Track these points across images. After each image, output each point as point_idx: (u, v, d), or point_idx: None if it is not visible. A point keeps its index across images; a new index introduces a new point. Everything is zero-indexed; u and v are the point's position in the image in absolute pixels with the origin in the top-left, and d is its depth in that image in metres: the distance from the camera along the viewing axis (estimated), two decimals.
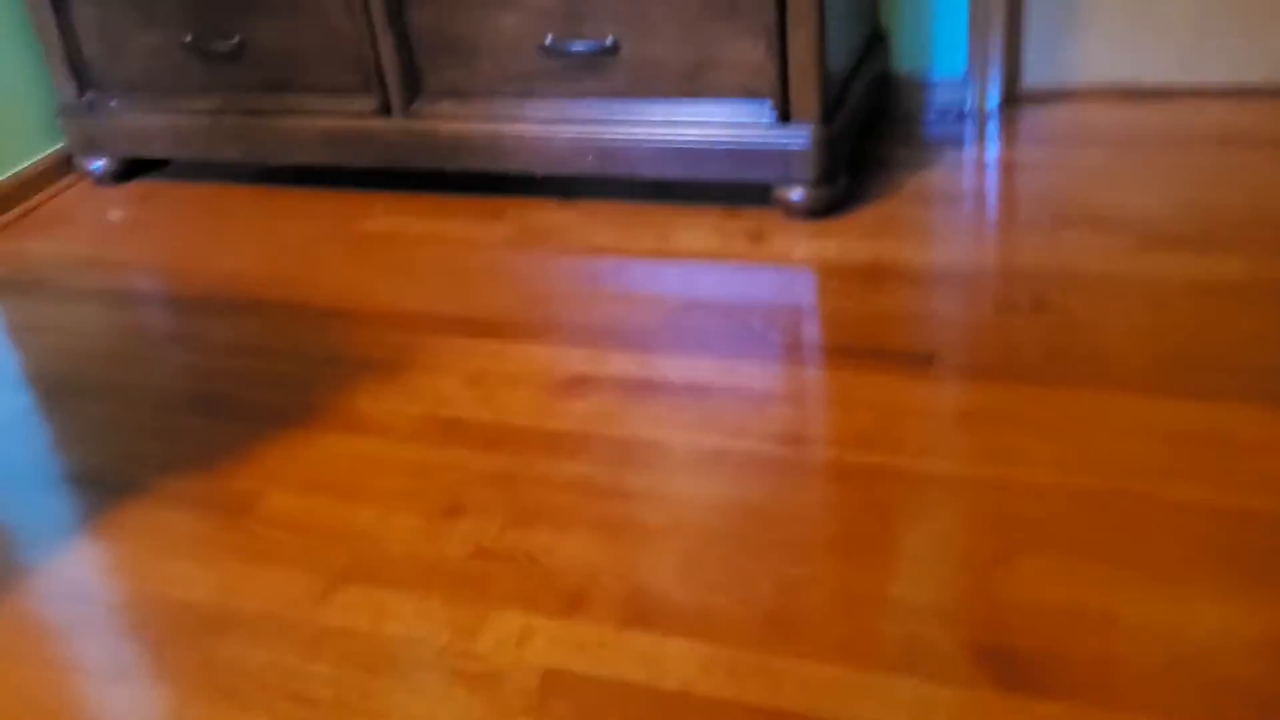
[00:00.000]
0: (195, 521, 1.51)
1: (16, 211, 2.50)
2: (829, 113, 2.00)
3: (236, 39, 2.28)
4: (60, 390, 1.85)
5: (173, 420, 1.74)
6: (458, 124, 2.19)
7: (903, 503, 1.40)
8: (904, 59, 2.42)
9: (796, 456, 1.49)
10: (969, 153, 2.26)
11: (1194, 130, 2.22)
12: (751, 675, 1.19)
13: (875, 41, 2.35)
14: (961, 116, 2.40)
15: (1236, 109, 2.28)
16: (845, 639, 1.22)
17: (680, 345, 1.76)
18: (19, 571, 1.46)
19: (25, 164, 2.56)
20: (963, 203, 2.07)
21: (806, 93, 1.96)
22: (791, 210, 2.06)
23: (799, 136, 1.98)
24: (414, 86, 2.21)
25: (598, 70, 2.07)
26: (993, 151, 2.26)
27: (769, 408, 1.59)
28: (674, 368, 1.70)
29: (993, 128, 2.34)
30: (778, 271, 1.93)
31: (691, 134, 2.04)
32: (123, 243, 2.31)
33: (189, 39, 2.31)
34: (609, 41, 2.03)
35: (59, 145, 2.62)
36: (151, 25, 2.34)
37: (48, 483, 1.63)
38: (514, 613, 1.30)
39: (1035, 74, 2.43)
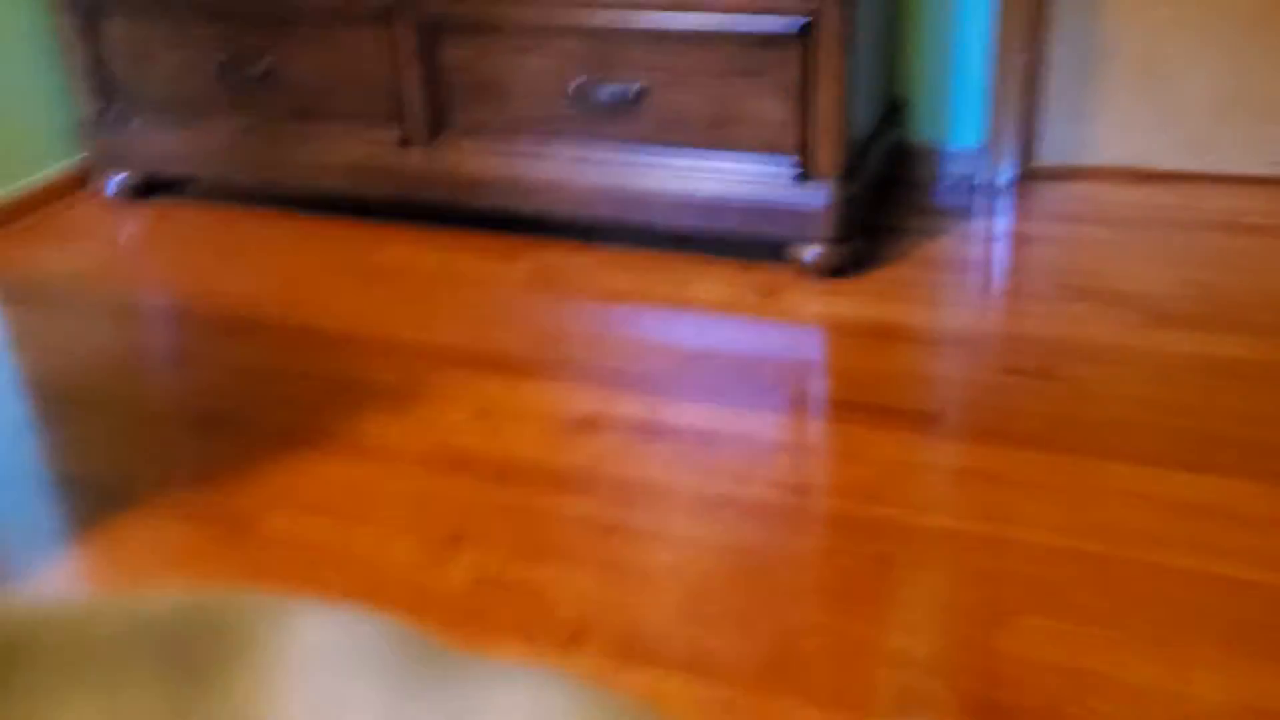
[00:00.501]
0: (193, 536, 1.51)
1: (31, 222, 2.52)
2: (847, 174, 2.03)
3: (266, 64, 2.32)
4: (63, 400, 1.85)
5: (176, 436, 1.74)
6: (480, 162, 2.22)
7: (904, 556, 1.40)
8: (922, 129, 2.46)
9: (801, 506, 1.50)
10: (981, 223, 2.29)
11: (1203, 214, 2.26)
12: (747, 716, 1.19)
13: (894, 109, 2.39)
14: (975, 188, 2.44)
15: (1245, 195, 2.32)
16: (842, 686, 1.22)
17: (690, 392, 1.77)
18: (11, 578, 1.46)
19: (43, 175, 2.58)
20: (973, 271, 2.10)
21: (827, 153, 1.99)
22: (805, 268, 2.08)
23: (817, 195, 2.01)
24: (439, 122, 2.24)
25: (622, 117, 2.10)
26: (1004, 223, 2.29)
27: (775, 457, 1.60)
28: (683, 413, 1.71)
29: (1005, 201, 2.38)
30: (789, 326, 1.94)
31: (711, 186, 2.07)
32: (136, 259, 2.33)
33: (218, 61, 2.35)
34: (635, 89, 2.06)
35: (78, 158, 2.65)
36: (182, 45, 2.38)
37: (44, 490, 1.63)
38: (512, 643, 1.30)
39: (1049, 151, 2.47)
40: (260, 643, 0.42)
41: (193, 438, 1.73)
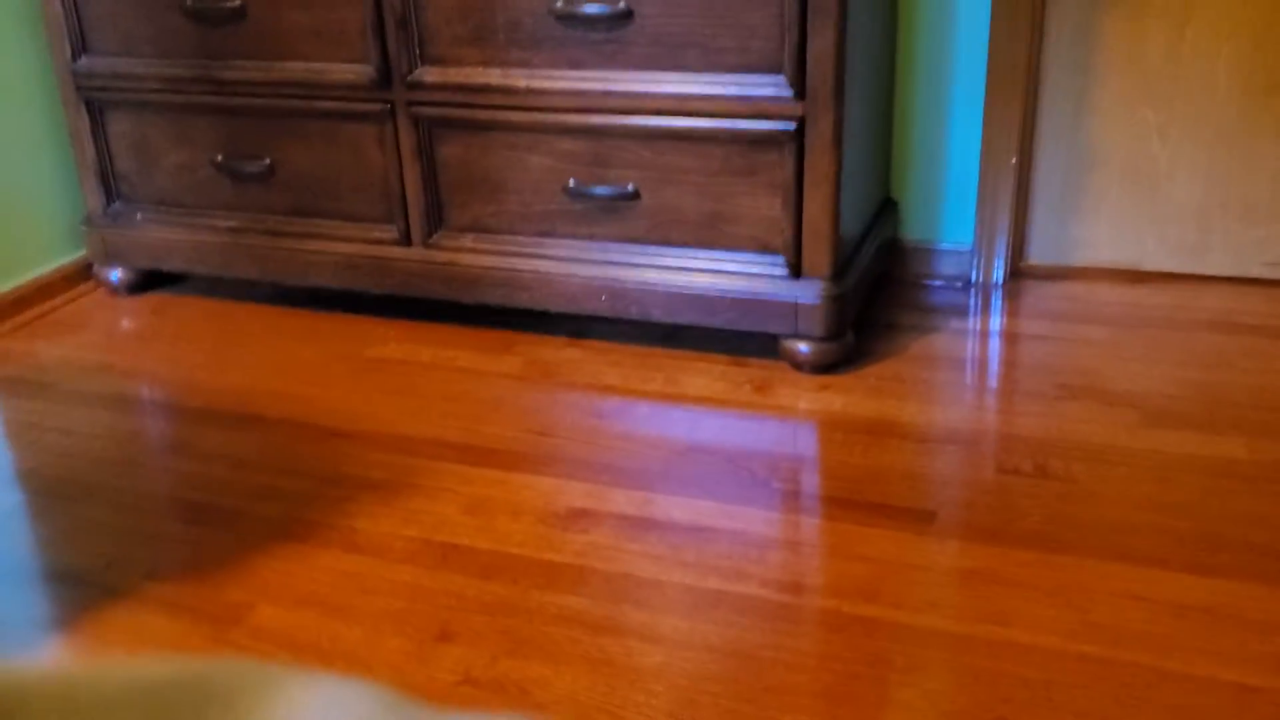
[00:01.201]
0: (181, 629, 1.49)
1: (32, 314, 2.52)
2: (839, 271, 2.05)
3: (266, 161, 2.34)
4: (55, 490, 1.83)
5: (166, 527, 1.72)
6: (476, 258, 2.23)
7: (900, 657, 1.38)
8: (913, 227, 2.49)
9: (794, 604, 1.48)
10: (973, 321, 2.30)
11: (1195, 314, 2.27)
12: None
13: (886, 208, 2.42)
14: (967, 286, 2.45)
15: (1236, 296, 2.34)
16: None
17: (682, 487, 1.75)
18: None
19: (45, 269, 2.60)
20: (966, 368, 2.10)
21: (819, 250, 2.01)
22: (798, 363, 2.08)
23: (809, 292, 2.02)
24: (436, 219, 2.26)
25: (617, 214, 2.12)
26: (997, 322, 2.30)
27: (768, 554, 1.58)
28: (675, 508, 1.70)
29: (997, 299, 2.39)
30: (782, 422, 1.94)
31: (704, 282, 2.08)
32: (133, 351, 2.33)
33: (219, 159, 2.38)
34: (630, 188, 2.09)
35: (80, 253, 2.66)
36: (185, 143, 2.41)
37: (33, 581, 1.61)
38: None
39: (1040, 251, 2.49)
40: (250, 707, 0.42)
41: (183, 529, 1.71)
